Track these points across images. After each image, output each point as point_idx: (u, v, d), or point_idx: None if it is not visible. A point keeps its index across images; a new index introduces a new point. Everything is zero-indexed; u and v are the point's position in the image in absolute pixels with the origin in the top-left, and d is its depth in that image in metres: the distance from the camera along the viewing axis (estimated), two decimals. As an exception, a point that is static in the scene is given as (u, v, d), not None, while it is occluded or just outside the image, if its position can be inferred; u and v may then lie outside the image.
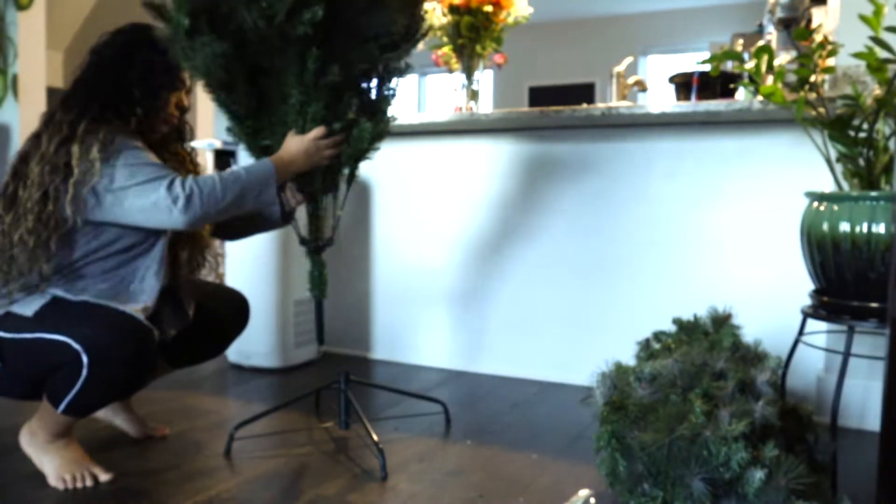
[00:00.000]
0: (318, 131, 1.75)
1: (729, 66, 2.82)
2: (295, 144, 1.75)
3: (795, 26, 2.86)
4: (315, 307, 2.00)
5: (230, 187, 1.67)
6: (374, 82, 1.86)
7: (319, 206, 1.91)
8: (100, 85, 1.73)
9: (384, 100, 1.86)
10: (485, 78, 3.16)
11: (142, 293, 1.72)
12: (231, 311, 2.04)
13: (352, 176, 1.93)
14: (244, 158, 2.33)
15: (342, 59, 1.71)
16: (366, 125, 1.78)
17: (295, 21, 1.62)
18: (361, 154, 1.85)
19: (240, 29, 1.66)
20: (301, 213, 1.95)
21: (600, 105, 2.39)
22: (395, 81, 1.87)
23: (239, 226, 2.00)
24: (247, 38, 1.67)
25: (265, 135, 1.81)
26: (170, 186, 1.62)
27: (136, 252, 1.73)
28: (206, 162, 3.92)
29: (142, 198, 1.62)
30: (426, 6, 1.93)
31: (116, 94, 1.72)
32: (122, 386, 1.68)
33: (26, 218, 1.62)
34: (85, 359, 1.57)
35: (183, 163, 1.92)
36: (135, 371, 1.64)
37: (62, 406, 1.62)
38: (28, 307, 1.64)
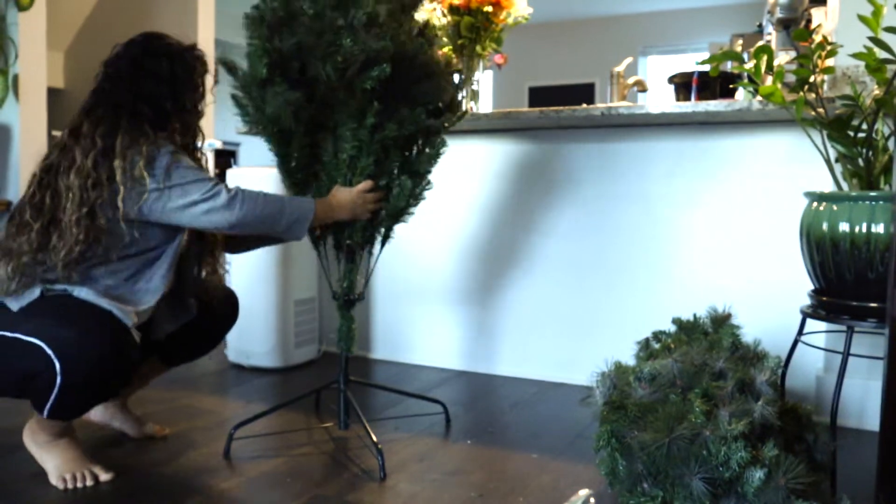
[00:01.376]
0: (365, 184, 1.84)
1: (728, 66, 2.82)
2: (343, 194, 1.84)
3: (795, 27, 2.86)
4: (341, 360, 2.01)
5: (269, 206, 1.74)
6: (417, 145, 1.96)
7: (355, 260, 1.97)
8: (123, 96, 1.73)
9: (425, 162, 1.94)
10: (485, 78, 3.16)
11: (146, 293, 1.73)
12: (222, 306, 2.04)
13: (387, 235, 1.99)
14: (244, 158, 2.32)
15: (395, 119, 1.82)
16: (406, 182, 1.88)
17: (364, 76, 1.74)
18: (400, 212, 1.93)
19: (310, 80, 1.77)
20: (334, 267, 2.00)
21: (600, 105, 2.39)
22: (435, 147, 1.96)
23: (250, 242, 2.05)
24: (315, 91, 1.78)
25: (312, 187, 1.91)
26: (216, 187, 1.69)
27: (148, 256, 1.74)
28: (207, 161, 3.92)
29: (187, 196, 1.67)
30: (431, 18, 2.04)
31: (145, 106, 1.73)
32: (101, 388, 1.65)
33: (71, 231, 1.62)
34: (58, 365, 1.55)
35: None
36: (112, 373, 1.62)
37: (45, 412, 1.61)
38: (17, 301, 1.63)
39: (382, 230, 1.97)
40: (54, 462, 1.70)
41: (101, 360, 1.59)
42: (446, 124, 1.97)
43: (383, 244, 2.01)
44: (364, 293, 2.03)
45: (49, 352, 1.56)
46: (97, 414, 2.01)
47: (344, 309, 1.98)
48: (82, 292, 1.65)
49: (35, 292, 1.64)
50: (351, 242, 1.93)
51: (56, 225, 1.64)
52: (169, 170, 1.67)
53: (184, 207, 1.67)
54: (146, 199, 1.65)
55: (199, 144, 1.94)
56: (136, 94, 1.74)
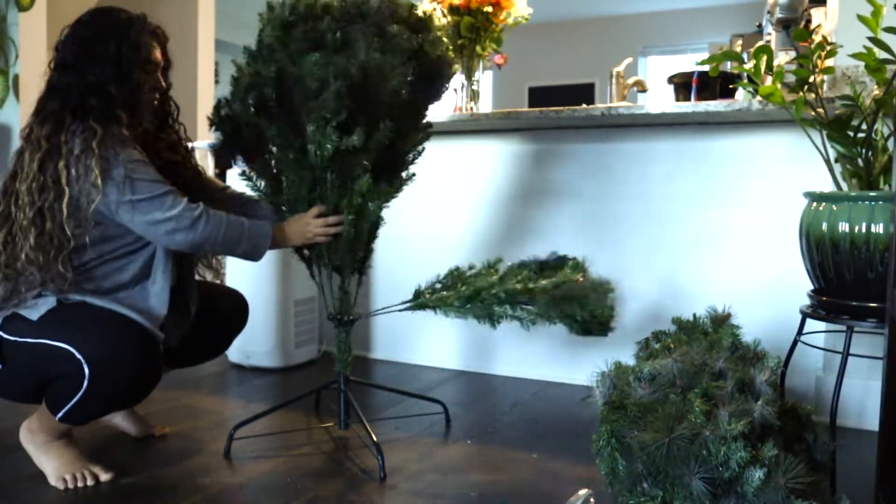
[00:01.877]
0: (313, 210, 1.84)
1: (728, 66, 2.83)
2: (294, 220, 1.85)
3: (794, 27, 2.86)
4: (340, 382, 2.01)
5: (231, 230, 1.73)
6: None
7: (347, 282, 1.98)
8: (71, 89, 1.66)
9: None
10: (485, 78, 3.17)
11: (154, 297, 1.71)
12: (230, 311, 2.04)
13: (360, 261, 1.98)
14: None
15: (313, 141, 1.77)
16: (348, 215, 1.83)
17: (247, 101, 1.76)
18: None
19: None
20: (330, 287, 2.00)
21: (600, 105, 2.39)
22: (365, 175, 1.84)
23: None
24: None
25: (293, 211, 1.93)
26: (178, 204, 1.66)
27: (143, 254, 1.73)
28: (207, 162, 3.92)
29: (151, 213, 1.64)
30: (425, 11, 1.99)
31: (91, 96, 1.65)
32: (123, 398, 1.68)
33: (26, 236, 1.60)
34: (87, 371, 1.55)
35: (177, 149, 1.89)
36: (138, 385, 1.64)
37: (60, 414, 1.61)
38: (34, 311, 1.62)
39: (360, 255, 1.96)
40: (53, 463, 1.70)
41: (132, 371, 1.60)
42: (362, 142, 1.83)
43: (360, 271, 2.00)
44: (358, 313, 2.02)
45: (79, 356, 1.55)
46: None
47: (340, 329, 1.99)
48: (103, 302, 1.65)
49: (50, 301, 1.63)
50: (339, 265, 1.93)
51: (15, 235, 1.62)
52: (130, 180, 1.62)
53: (148, 224, 1.65)
54: (113, 208, 1.63)
55: (175, 115, 1.89)
56: (84, 84, 1.65)
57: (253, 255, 1.81)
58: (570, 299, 1.89)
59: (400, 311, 2.04)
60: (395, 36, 1.81)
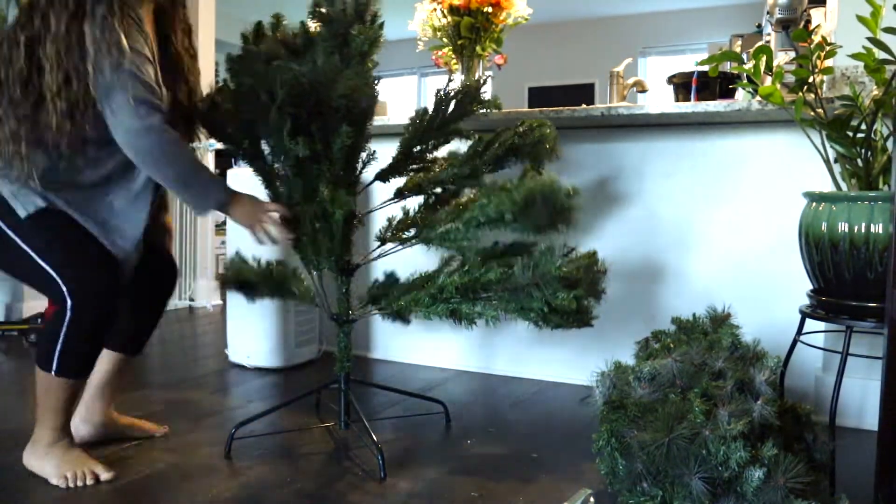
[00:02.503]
0: (274, 205, 1.83)
1: (728, 66, 2.83)
2: (253, 201, 1.80)
3: (794, 27, 2.87)
4: (340, 382, 2.02)
5: (193, 165, 1.72)
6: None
7: (349, 281, 2.00)
8: None
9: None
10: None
11: (130, 226, 1.74)
12: (161, 270, 1.97)
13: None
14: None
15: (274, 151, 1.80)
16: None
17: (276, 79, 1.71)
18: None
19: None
20: (332, 288, 2.03)
21: (600, 105, 2.39)
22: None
23: None
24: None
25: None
26: (157, 117, 1.61)
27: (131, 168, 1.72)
28: (207, 162, 3.92)
29: (131, 118, 1.59)
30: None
31: None
32: (100, 323, 1.68)
33: (55, 102, 1.58)
34: (69, 302, 1.63)
35: (189, 62, 1.87)
36: (109, 307, 1.68)
37: (55, 364, 1.66)
38: (23, 206, 1.66)
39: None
40: (54, 462, 1.71)
41: (104, 295, 1.66)
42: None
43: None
44: (356, 314, 2.04)
45: (63, 288, 1.64)
46: (88, 431, 1.94)
47: (341, 328, 2.00)
48: (85, 220, 1.68)
49: (38, 201, 1.66)
50: (343, 265, 1.95)
51: (43, 101, 1.60)
52: (127, 73, 1.57)
53: (123, 125, 1.60)
54: (101, 90, 1.59)
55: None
56: None
57: (199, 202, 1.74)
58: (524, 289, 1.81)
59: (378, 313, 2.04)
60: (354, 38, 1.75)
